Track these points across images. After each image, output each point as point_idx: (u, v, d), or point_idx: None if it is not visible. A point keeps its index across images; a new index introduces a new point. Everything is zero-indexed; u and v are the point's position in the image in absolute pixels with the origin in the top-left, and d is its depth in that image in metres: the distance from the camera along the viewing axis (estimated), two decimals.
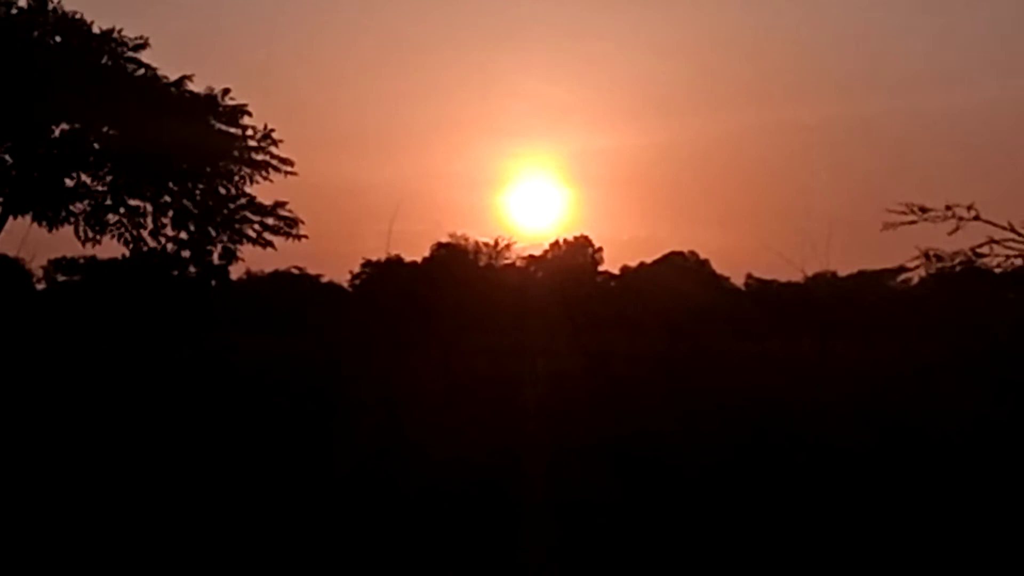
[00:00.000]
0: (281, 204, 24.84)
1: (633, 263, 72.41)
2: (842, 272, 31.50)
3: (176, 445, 21.82)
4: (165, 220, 24.57)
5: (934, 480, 18.30)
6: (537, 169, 78.64)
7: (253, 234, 24.81)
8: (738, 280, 70.77)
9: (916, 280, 28.45)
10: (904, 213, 22.25)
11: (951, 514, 16.21)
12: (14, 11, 23.51)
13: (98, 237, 24.51)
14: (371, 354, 25.04)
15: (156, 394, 27.53)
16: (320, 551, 14.96)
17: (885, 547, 15.02)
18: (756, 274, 67.39)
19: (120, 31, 23.88)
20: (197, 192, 24.52)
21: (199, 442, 22.06)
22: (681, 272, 67.16)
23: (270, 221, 24.82)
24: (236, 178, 24.64)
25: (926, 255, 22.75)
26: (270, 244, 25.07)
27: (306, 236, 25.10)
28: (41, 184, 23.81)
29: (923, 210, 22.24)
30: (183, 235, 24.92)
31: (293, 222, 24.90)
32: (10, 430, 21.84)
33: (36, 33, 23.59)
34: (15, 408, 24.10)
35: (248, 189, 24.80)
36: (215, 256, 28.61)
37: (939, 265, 23.02)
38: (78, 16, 23.79)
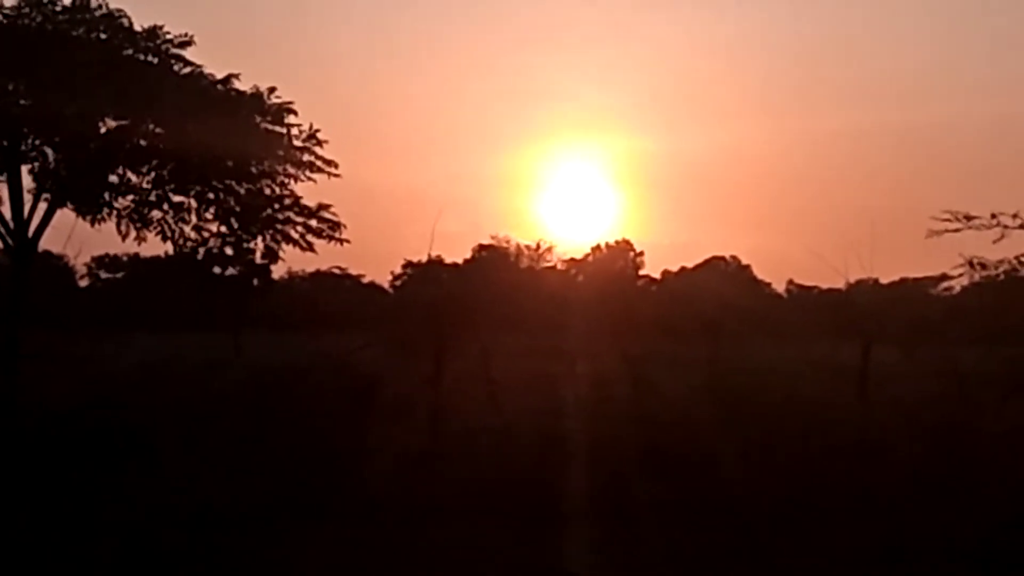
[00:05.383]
0: (325, 207, 24.83)
1: (674, 267, 72.49)
2: (884, 279, 31.29)
3: (217, 443, 21.90)
4: (208, 216, 24.60)
5: (976, 489, 18.20)
6: (579, 173, 78.63)
7: (296, 235, 24.82)
8: (779, 286, 70.72)
9: (958, 289, 28.16)
10: (949, 220, 22.17)
11: (993, 523, 16.13)
12: (58, 8, 23.57)
13: (141, 234, 24.59)
14: (412, 354, 25.07)
15: (196, 392, 27.60)
16: (361, 550, 15.02)
17: (928, 552, 14.96)
18: (797, 280, 67.32)
19: (164, 28, 23.92)
20: (241, 190, 24.55)
21: (240, 440, 22.12)
22: (722, 277, 67.10)
23: (313, 223, 24.83)
24: (280, 178, 24.62)
25: (970, 263, 22.62)
26: (311, 248, 25.08)
27: (348, 240, 25.13)
28: (86, 180, 23.89)
29: (968, 218, 22.14)
30: (225, 230, 24.95)
31: (336, 225, 24.90)
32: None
33: (80, 31, 23.66)
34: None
35: (292, 189, 24.78)
36: (258, 255, 28.67)
37: (983, 273, 22.87)
38: (121, 14, 23.84)
